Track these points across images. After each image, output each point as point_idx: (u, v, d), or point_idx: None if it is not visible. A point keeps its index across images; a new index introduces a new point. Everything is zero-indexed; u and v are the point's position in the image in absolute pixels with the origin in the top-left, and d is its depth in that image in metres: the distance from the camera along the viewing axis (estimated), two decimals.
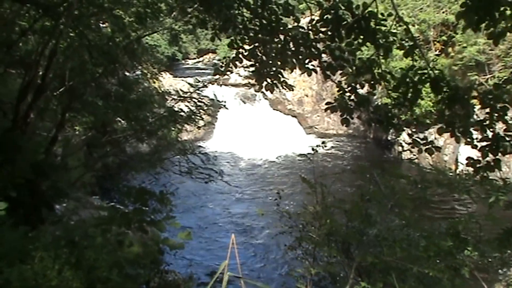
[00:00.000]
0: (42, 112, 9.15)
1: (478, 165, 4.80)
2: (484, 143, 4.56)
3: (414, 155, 22.17)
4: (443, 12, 25.10)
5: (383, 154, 27.22)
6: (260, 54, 5.63)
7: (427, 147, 5.12)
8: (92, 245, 4.57)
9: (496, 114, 4.41)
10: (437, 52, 25.47)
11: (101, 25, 10.99)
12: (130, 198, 5.48)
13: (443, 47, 25.44)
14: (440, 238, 6.06)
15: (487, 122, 4.50)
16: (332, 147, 28.06)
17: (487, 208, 5.68)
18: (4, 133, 7.03)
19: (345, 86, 5.13)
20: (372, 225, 6.60)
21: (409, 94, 4.80)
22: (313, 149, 7.75)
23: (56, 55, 8.26)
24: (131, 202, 5.54)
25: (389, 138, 27.28)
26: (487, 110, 4.49)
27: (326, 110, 5.34)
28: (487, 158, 4.63)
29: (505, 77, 21.30)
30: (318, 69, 5.41)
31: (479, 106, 4.60)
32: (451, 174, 7.43)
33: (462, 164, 20.37)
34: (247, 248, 15.65)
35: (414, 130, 22.43)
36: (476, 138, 4.62)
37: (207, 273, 12.01)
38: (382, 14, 4.73)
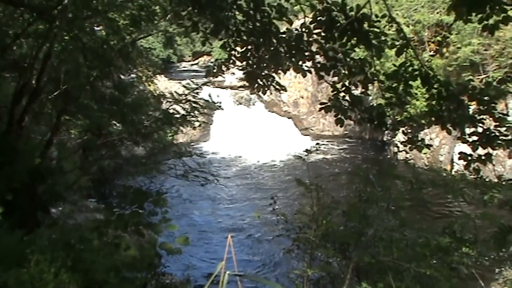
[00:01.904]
0: (37, 116, 9.13)
1: (469, 158, 4.88)
2: (475, 138, 4.63)
3: (409, 156, 22.19)
4: (437, 13, 25.16)
5: (379, 155, 27.23)
6: (252, 57, 5.63)
7: (417, 144, 5.23)
8: (88, 248, 4.56)
9: (482, 108, 4.47)
10: (431, 53, 25.55)
11: (95, 28, 10.98)
12: (127, 198, 5.42)
13: (437, 47, 25.54)
14: (437, 237, 6.07)
15: (477, 116, 4.58)
16: (328, 148, 28.09)
17: (482, 208, 5.71)
18: (0, 137, 7.01)
19: (339, 86, 5.16)
20: (370, 226, 6.60)
21: (400, 89, 4.85)
22: (307, 151, 7.74)
23: (50, 58, 8.23)
24: (127, 204, 5.49)
25: (384, 139, 27.34)
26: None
27: (320, 110, 5.38)
28: (480, 153, 4.70)
29: (499, 77, 21.41)
30: (312, 70, 5.42)
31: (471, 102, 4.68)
32: (444, 175, 7.47)
33: (458, 164, 20.42)
34: (244, 249, 15.62)
35: (409, 130, 22.48)
36: (469, 135, 4.69)
37: (203, 275, 12.01)
38: (376, 15, 4.76)
